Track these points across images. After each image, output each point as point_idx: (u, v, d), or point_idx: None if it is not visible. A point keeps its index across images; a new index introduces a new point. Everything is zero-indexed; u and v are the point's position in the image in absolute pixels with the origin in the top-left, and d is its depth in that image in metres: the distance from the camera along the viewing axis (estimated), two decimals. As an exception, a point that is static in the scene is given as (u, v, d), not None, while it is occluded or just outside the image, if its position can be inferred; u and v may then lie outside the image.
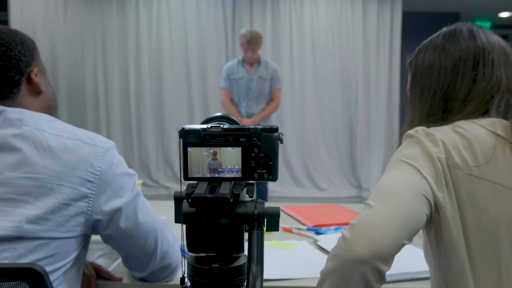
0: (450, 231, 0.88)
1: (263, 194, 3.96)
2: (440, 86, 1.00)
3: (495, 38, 1.01)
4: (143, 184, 5.26)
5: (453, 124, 0.95)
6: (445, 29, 1.05)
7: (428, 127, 0.96)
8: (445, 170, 0.89)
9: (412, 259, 1.27)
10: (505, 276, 0.87)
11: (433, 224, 0.91)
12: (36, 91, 1.04)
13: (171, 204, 0.64)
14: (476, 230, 0.88)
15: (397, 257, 0.86)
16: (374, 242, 0.80)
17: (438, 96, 1.00)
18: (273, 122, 4.31)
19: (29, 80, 1.03)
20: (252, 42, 3.80)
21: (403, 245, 0.83)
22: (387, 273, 0.85)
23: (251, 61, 3.93)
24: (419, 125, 0.99)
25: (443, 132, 0.93)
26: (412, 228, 0.85)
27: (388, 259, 0.81)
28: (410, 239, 0.85)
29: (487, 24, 7.32)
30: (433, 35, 1.06)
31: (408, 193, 0.86)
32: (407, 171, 0.89)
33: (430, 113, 1.01)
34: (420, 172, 0.88)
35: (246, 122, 3.80)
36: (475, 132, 0.92)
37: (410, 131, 0.96)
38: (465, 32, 1.01)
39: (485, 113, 0.96)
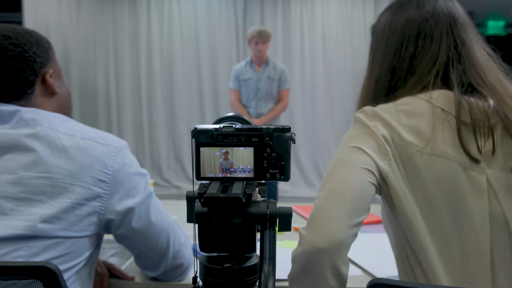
0: (400, 201, 0.90)
1: (273, 194, 3.96)
2: (388, 52, 1.01)
3: (443, 7, 0.99)
4: (155, 184, 5.28)
5: (395, 102, 0.96)
6: None
7: (375, 105, 0.98)
8: (392, 147, 0.91)
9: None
10: (470, 240, 0.88)
11: (384, 195, 0.93)
12: (50, 92, 1.05)
13: (182, 204, 0.64)
14: (427, 199, 0.89)
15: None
16: (327, 230, 0.82)
17: (385, 66, 1.01)
18: (283, 121, 4.31)
19: (44, 81, 1.04)
20: (262, 34, 3.88)
21: (358, 223, 0.85)
22: None
23: (261, 56, 3.97)
24: (368, 102, 1.02)
25: (388, 112, 0.94)
26: (360, 204, 0.86)
27: (346, 241, 0.83)
28: (362, 214, 0.86)
29: (501, 23, 7.23)
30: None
31: (348, 171, 0.88)
32: (348, 152, 0.92)
33: (377, 88, 1.03)
34: (360, 149, 0.90)
35: (255, 123, 3.80)
36: (416, 106, 0.93)
37: (358, 115, 0.97)
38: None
39: (424, 87, 0.97)
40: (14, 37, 0.99)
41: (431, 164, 0.89)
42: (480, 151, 0.89)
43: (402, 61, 0.99)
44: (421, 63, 0.97)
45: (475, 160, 0.89)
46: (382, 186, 0.91)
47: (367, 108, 0.97)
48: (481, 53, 0.98)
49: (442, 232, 0.89)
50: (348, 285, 1.21)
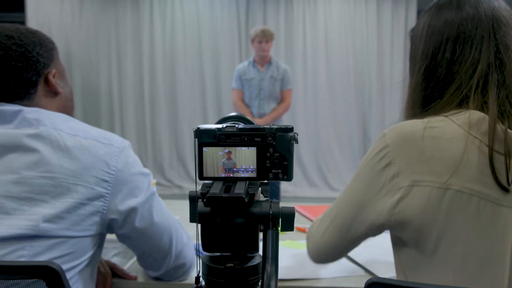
0: (417, 235, 0.88)
1: (275, 194, 3.96)
2: (425, 57, 0.95)
3: (486, 8, 0.92)
4: (157, 184, 5.28)
5: (426, 123, 0.89)
6: None
7: (412, 116, 0.96)
8: (411, 186, 0.86)
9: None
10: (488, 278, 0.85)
11: (400, 236, 0.92)
12: (53, 92, 1.05)
13: (185, 204, 0.64)
14: (447, 235, 0.85)
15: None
16: (325, 261, 1.09)
17: (422, 72, 0.95)
18: (286, 121, 4.31)
19: (47, 81, 1.04)
20: (266, 33, 3.90)
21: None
22: None
23: (264, 55, 3.98)
24: (409, 112, 0.99)
25: (412, 141, 0.88)
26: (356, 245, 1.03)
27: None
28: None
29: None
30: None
31: (361, 222, 0.94)
32: (364, 193, 0.93)
33: (415, 98, 0.97)
34: (378, 195, 0.91)
35: (258, 123, 3.80)
36: (448, 132, 0.87)
37: (383, 136, 0.92)
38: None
39: (463, 101, 0.90)
40: (18, 37, 0.99)
41: (454, 200, 0.84)
42: (509, 183, 0.83)
43: (440, 67, 0.93)
44: (460, 70, 0.90)
45: (505, 189, 0.83)
46: (396, 229, 0.91)
47: (390, 137, 0.91)
48: None
49: (462, 267, 0.85)
50: (350, 285, 1.22)
